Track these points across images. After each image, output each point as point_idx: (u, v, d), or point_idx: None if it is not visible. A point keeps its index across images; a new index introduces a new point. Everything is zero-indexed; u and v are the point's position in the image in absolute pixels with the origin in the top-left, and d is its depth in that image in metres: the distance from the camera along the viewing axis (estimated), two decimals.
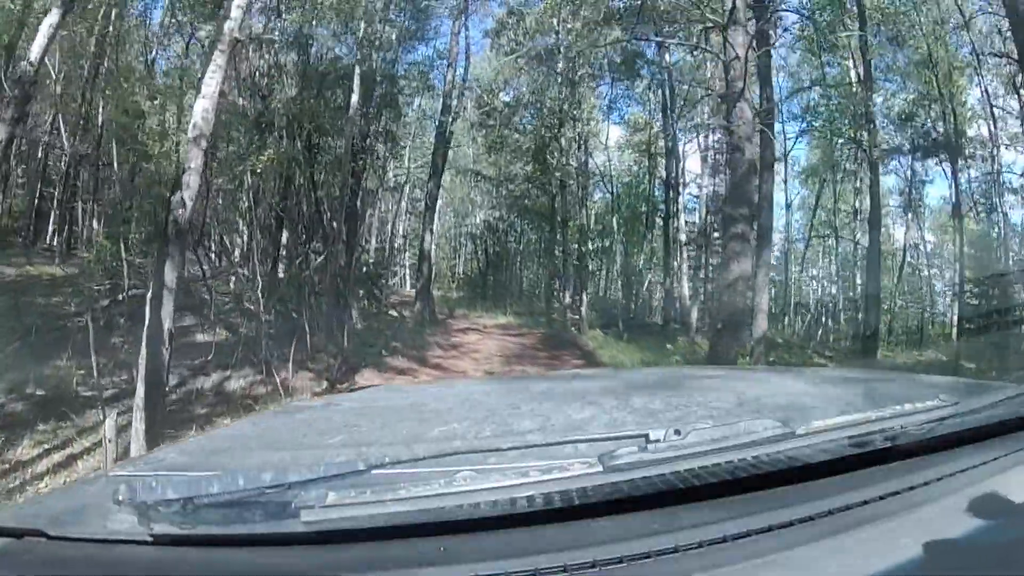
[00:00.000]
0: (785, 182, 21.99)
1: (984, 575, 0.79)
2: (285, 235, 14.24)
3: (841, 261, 23.55)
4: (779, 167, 20.63)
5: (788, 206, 23.10)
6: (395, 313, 16.56)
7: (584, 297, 19.36)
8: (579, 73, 19.19)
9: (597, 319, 19.56)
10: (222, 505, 0.86)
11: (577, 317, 18.70)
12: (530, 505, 0.84)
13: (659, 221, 22.85)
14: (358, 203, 15.34)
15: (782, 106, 17.12)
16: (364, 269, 16.95)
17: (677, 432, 0.95)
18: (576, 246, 19.97)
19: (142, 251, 11.62)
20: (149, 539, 0.85)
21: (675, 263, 20.64)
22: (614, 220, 22.03)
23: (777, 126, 19.80)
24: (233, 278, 12.73)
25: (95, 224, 15.42)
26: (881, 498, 0.93)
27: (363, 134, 15.09)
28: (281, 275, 13.18)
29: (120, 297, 9.78)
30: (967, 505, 0.91)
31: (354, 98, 13.30)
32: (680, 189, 20.45)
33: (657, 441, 0.93)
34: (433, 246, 19.65)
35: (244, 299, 10.86)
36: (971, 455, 1.08)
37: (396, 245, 29.89)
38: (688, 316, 18.84)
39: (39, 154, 15.92)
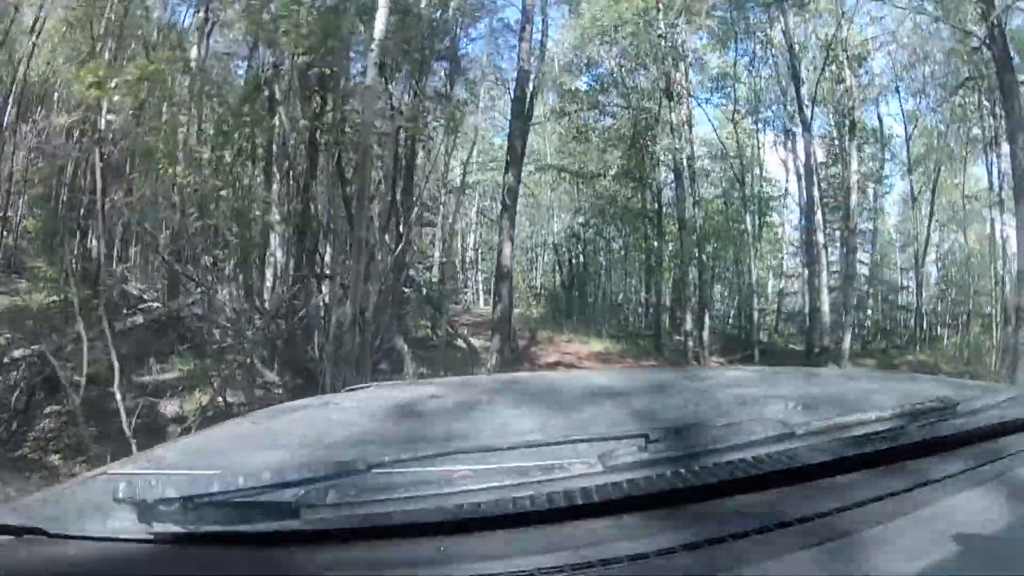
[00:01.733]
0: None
1: (985, 575, 0.92)
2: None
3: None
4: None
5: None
6: (464, 344, 15.95)
7: (706, 319, 18.71)
8: (681, 40, 18.58)
9: (715, 343, 19.10)
10: (222, 504, 1.01)
11: (690, 343, 18.00)
12: (530, 505, 0.99)
13: (759, 218, 22.56)
14: (398, 200, 13.67)
15: None
16: (424, 291, 16.16)
17: (677, 432, 1.12)
18: (691, 253, 19.39)
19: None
20: (149, 538, 1.01)
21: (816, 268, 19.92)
22: (747, 219, 21.48)
23: None
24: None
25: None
26: (881, 498, 1.06)
27: (409, 105, 13.52)
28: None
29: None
30: (967, 506, 1.06)
31: (378, 26, 9.81)
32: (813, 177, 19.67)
33: (657, 441, 1.08)
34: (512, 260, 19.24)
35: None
36: (971, 455, 1.23)
37: (467, 257, 30.49)
38: (837, 337, 17.93)
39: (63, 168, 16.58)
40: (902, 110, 21.81)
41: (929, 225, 22.84)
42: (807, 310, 21.43)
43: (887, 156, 22.64)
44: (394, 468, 1.10)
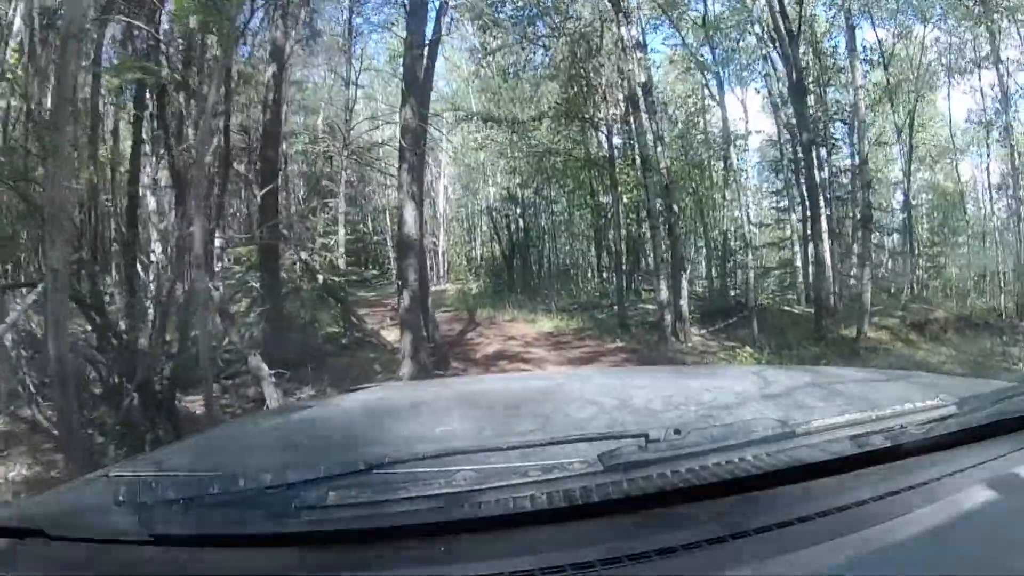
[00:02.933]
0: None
1: (984, 575, 1.09)
2: None
3: None
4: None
5: None
6: (377, 341, 15.30)
7: (683, 284, 17.72)
8: None
9: (691, 310, 18.34)
10: (222, 505, 1.20)
11: (667, 315, 16.96)
12: (530, 505, 1.17)
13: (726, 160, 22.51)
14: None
15: None
16: (320, 279, 15.21)
17: (677, 432, 1.32)
18: (658, 202, 18.06)
19: None
20: (150, 539, 1.18)
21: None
22: (732, 154, 21.20)
23: None
24: None
25: None
26: (881, 498, 1.27)
27: None
28: None
29: None
30: (967, 505, 1.26)
31: None
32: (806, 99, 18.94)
33: (657, 441, 1.29)
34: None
35: None
36: (971, 455, 1.46)
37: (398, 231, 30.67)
38: (846, 294, 17.98)
39: None
40: (877, 37, 22.34)
41: (909, 161, 23.31)
42: (798, 263, 21.74)
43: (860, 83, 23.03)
44: (394, 468, 1.28)
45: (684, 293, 17.71)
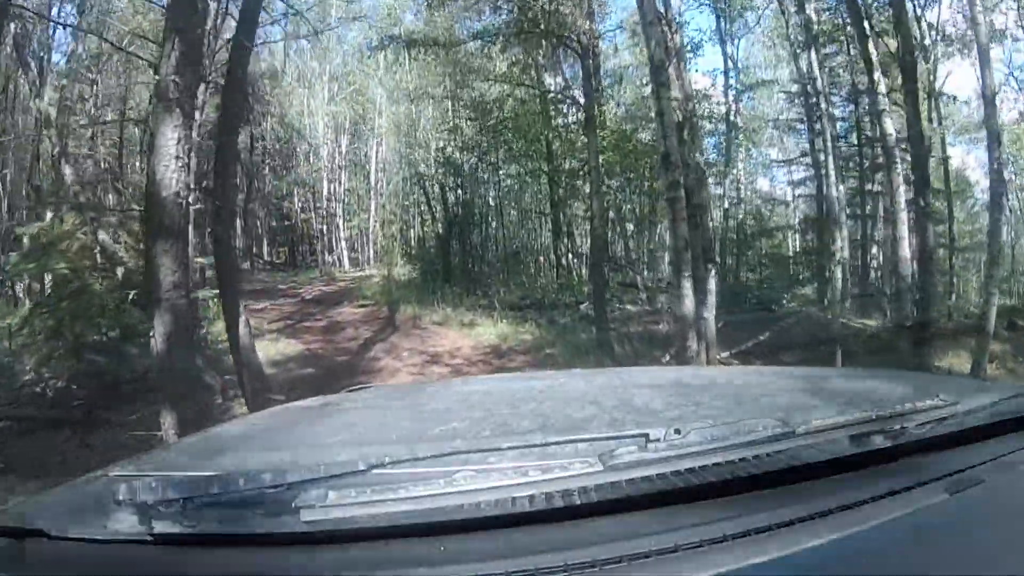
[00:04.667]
0: None
1: (983, 574, 1.34)
2: None
3: None
4: None
5: None
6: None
7: (711, 286, 16.22)
8: None
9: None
10: (222, 505, 1.50)
11: (688, 333, 14.54)
12: (530, 505, 1.45)
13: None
14: None
15: None
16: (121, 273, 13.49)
17: (677, 431, 1.66)
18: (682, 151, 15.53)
19: None
20: (149, 539, 1.46)
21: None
22: None
23: None
24: None
25: None
26: (881, 498, 1.57)
27: None
28: None
29: None
30: (967, 505, 1.58)
31: None
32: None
33: (657, 440, 1.62)
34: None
35: None
36: (971, 455, 1.81)
37: (330, 209, 31.14)
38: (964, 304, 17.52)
39: None
40: None
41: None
42: (845, 253, 21.88)
43: None
44: (394, 468, 1.57)
45: (711, 301, 16.19)
